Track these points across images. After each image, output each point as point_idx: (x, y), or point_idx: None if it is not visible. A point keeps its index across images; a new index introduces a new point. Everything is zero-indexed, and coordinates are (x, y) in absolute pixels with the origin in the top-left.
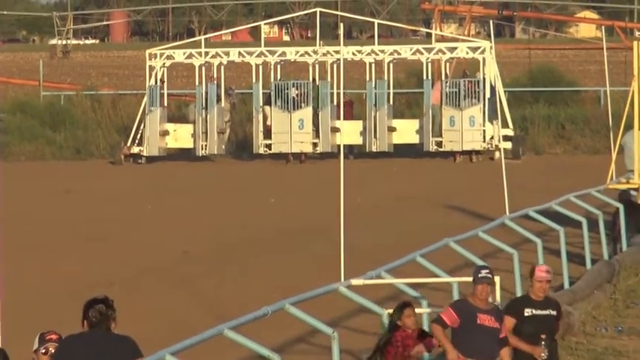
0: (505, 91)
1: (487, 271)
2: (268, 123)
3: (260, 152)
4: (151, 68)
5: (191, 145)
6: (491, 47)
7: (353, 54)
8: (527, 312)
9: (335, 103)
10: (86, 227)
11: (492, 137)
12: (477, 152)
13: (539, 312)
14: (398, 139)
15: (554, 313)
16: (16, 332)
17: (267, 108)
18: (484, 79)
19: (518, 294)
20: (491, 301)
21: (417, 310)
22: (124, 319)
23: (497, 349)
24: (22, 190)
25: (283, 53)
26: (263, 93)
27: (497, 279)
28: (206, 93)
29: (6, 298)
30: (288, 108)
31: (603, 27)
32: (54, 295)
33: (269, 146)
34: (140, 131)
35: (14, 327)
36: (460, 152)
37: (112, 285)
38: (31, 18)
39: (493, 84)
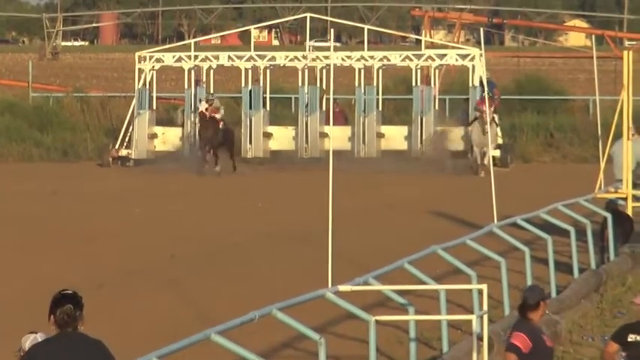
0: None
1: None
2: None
3: (247, 157)
4: (140, 71)
5: (179, 147)
6: (480, 55)
7: (342, 59)
8: (631, 338)
9: (324, 108)
10: (73, 229)
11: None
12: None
13: None
14: (386, 145)
15: None
16: (2, 334)
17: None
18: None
19: (506, 303)
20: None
21: (403, 318)
22: (110, 321)
23: None
24: (9, 191)
25: (273, 58)
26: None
27: (484, 287)
28: (195, 96)
29: None
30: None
31: (593, 36)
32: (38, 296)
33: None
34: (129, 134)
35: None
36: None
37: (101, 287)
38: (21, 19)
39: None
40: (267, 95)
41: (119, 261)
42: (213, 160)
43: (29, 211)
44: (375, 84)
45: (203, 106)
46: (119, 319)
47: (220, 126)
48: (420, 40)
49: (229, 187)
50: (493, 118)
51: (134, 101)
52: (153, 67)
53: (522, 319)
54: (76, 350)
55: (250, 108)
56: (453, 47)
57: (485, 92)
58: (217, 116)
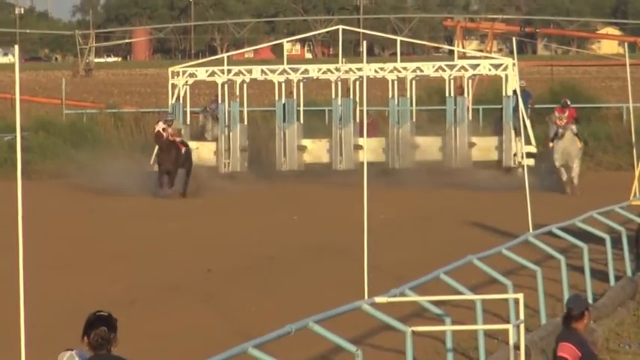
0: (528, 108)
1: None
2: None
3: (282, 169)
4: (174, 86)
5: (214, 163)
6: (513, 64)
7: (375, 71)
8: None
9: (357, 120)
10: (108, 245)
11: (515, 154)
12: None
13: None
14: (421, 156)
15: None
16: (39, 352)
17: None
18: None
19: (542, 311)
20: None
21: (439, 328)
22: (145, 337)
23: None
24: (45, 209)
25: (306, 71)
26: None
27: (520, 296)
28: (229, 111)
29: (29, 317)
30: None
31: (626, 43)
32: (75, 313)
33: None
34: None
35: (38, 347)
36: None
37: (134, 303)
38: (54, 36)
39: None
40: (301, 108)
41: (155, 276)
42: (170, 182)
43: (66, 227)
44: (408, 95)
45: (160, 126)
46: (154, 334)
47: (183, 150)
48: (453, 51)
49: (264, 200)
50: (575, 131)
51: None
52: (186, 82)
53: (567, 329)
54: None
55: (284, 121)
56: (486, 57)
57: (567, 101)
58: (178, 139)
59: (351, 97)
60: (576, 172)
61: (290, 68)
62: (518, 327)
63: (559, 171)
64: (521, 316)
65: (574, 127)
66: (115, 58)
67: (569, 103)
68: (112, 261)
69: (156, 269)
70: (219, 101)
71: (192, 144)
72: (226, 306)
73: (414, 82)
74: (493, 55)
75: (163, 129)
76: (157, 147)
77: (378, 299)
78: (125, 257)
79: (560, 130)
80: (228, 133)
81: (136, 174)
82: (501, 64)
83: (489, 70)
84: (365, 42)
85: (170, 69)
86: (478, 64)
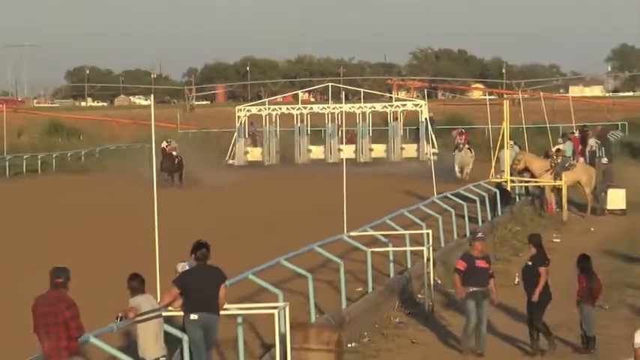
0: (434, 128)
1: (481, 233)
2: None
3: (299, 162)
4: (238, 117)
5: (260, 159)
6: (425, 104)
7: (349, 108)
8: None
9: (340, 135)
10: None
11: (426, 153)
12: None
13: None
14: (374, 155)
15: None
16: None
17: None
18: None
19: (442, 239)
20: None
21: (386, 249)
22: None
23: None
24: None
25: (311, 108)
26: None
27: (429, 232)
28: (269, 131)
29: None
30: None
31: (487, 93)
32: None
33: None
34: (233, 151)
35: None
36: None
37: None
38: (173, 89)
39: None
40: (308, 129)
41: (220, 227)
42: (170, 181)
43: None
44: (367, 121)
45: (164, 144)
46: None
47: (176, 160)
48: (391, 97)
49: (288, 179)
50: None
51: (235, 133)
52: (245, 114)
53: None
54: (208, 274)
55: (299, 136)
56: (410, 100)
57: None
58: (174, 153)
59: (337, 122)
60: (467, 172)
61: (302, 106)
62: (428, 248)
63: (455, 172)
64: (430, 242)
65: (469, 145)
66: (206, 102)
67: (463, 130)
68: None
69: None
70: (263, 125)
71: (249, 148)
72: (268, 234)
73: (370, 114)
74: (414, 99)
75: (166, 146)
76: (161, 157)
77: (352, 233)
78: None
79: (460, 147)
80: (269, 143)
81: (218, 166)
82: (419, 104)
83: (412, 107)
84: (344, 92)
85: (236, 107)
86: (406, 104)
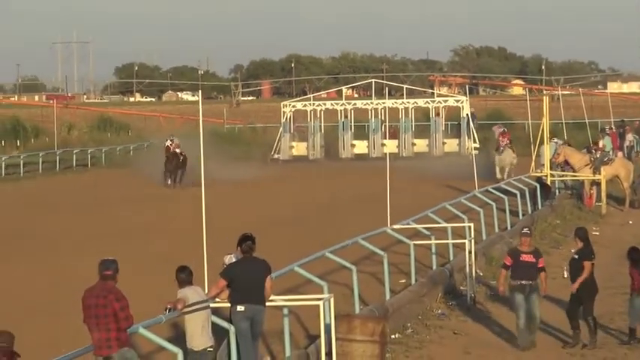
0: (475, 123)
1: (527, 229)
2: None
3: (343, 157)
4: (284, 113)
5: (305, 154)
6: (466, 100)
7: (392, 104)
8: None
9: (383, 130)
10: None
11: (467, 148)
12: None
13: None
14: (416, 149)
15: None
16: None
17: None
18: None
19: (483, 233)
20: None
21: (429, 242)
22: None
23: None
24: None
25: (355, 104)
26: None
27: (471, 225)
28: (313, 127)
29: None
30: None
31: (527, 89)
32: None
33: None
34: (278, 146)
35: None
36: None
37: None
38: (219, 85)
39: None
40: (352, 124)
41: (273, 213)
42: (173, 179)
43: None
44: (410, 116)
45: (168, 142)
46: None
47: (180, 158)
48: (434, 93)
49: (334, 171)
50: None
51: (280, 128)
52: (290, 110)
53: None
54: (253, 265)
55: (343, 130)
56: (451, 96)
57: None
58: (178, 150)
59: (380, 117)
60: (508, 171)
61: (346, 102)
62: (470, 241)
63: (496, 173)
64: (472, 235)
65: (510, 144)
66: (252, 97)
67: (506, 130)
68: (259, 204)
69: (263, 212)
70: (308, 121)
71: (294, 143)
72: (313, 226)
73: (412, 109)
74: (455, 95)
75: (170, 144)
76: (165, 156)
77: (395, 226)
78: (267, 198)
79: (502, 148)
80: (314, 138)
81: (264, 161)
82: (460, 100)
83: (454, 102)
84: (387, 88)
85: (282, 103)
86: (447, 100)
